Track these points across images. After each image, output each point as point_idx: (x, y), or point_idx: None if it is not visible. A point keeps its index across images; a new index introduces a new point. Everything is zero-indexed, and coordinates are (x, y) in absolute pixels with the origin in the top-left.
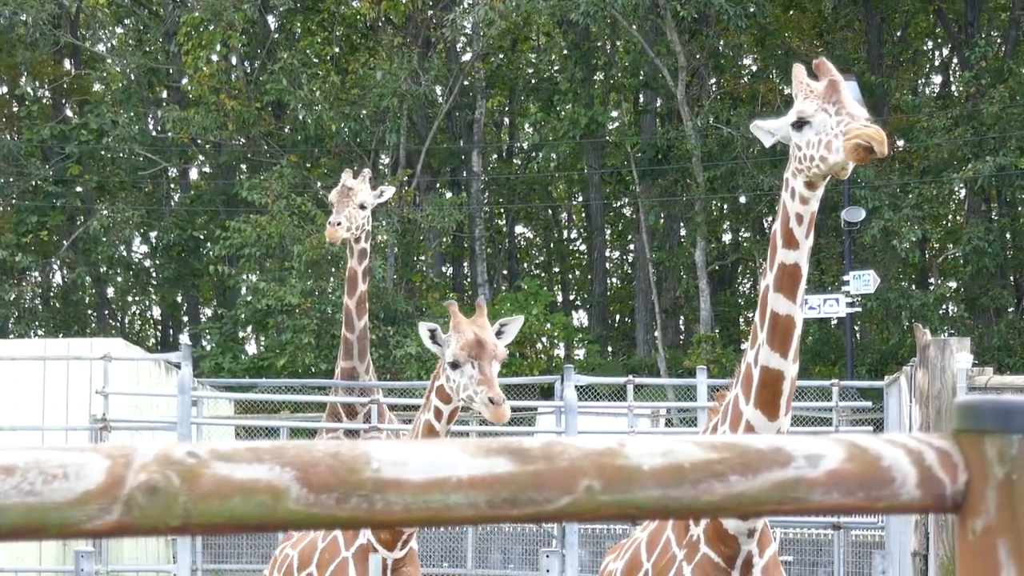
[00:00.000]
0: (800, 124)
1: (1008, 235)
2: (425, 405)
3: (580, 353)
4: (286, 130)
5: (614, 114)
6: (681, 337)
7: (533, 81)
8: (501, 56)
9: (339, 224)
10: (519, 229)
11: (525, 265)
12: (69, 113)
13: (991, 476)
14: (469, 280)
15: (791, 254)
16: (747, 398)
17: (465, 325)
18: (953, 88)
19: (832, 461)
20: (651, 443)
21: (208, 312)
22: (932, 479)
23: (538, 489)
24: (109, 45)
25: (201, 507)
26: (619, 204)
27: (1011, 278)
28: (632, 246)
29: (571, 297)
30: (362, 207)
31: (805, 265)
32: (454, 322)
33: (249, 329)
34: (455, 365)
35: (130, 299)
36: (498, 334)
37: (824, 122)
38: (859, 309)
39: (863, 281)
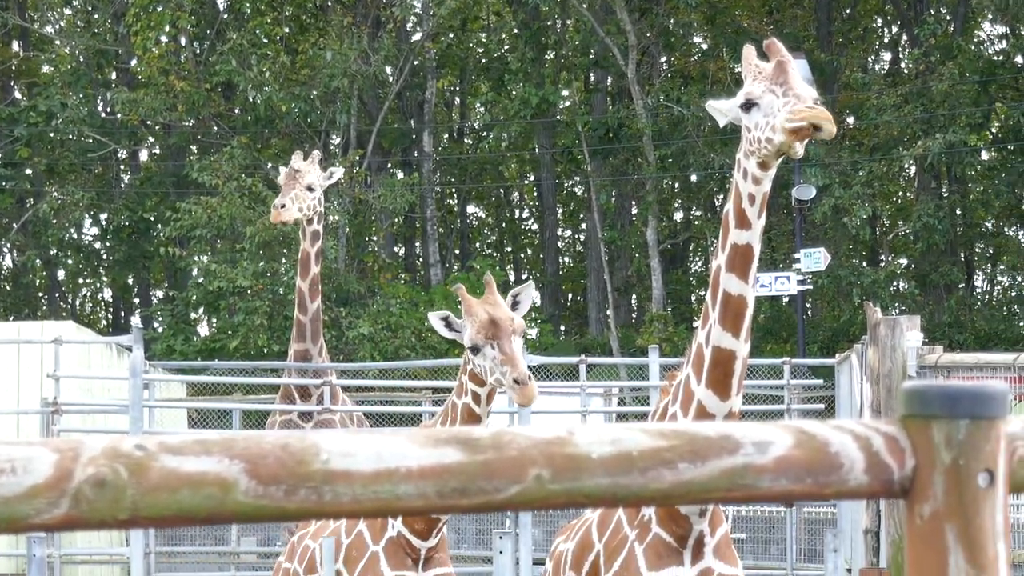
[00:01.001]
0: (748, 106)
1: (958, 212)
2: (459, 390)
3: (533, 332)
4: (236, 111)
5: (565, 93)
6: (633, 316)
7: (484, 61)
8: (451, 36)
9: (283, 207)
10: (471, 209)
11: (477, 245)
12: (18, 95)
13: (938, 461)
14: (421, 260)
15: (743, 234)
16: (699, 378)
17: (477, 306)
18: (903, 65)
19: (780, 448)
20: (600, 431)
21: (159, 294)
22: (880, 465)
23: (487, 478)
24: (58, 27)
25: (149, 500)
26: (570, 183)
27: (961, 255)
28: (584, 225)
29: (523, 276)
30: (310, 189)
31: (757, 245)
32: (465, 305)
33: (201, 311)
34: (475, 350)
35: (81, 282)
36: (514, 306)
37: (771, 103)
38: (810, 287)
39: (814, 259)
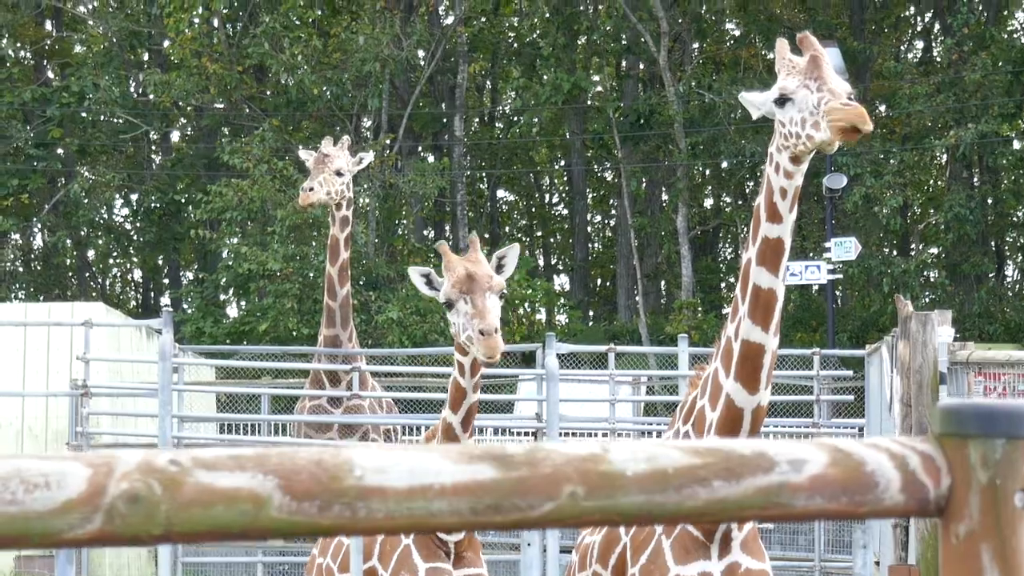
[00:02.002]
0: (783, 100)
1: (989, 202)
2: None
3: (561, 319)
4: (268, 94)
5: (596, 79)
6: (662, 302)
7: (515, 46)
8: (483, 20)
9: (311, 190)
10: (501, 194)
11: (507, 230)
12: (51, 75)
13: (974, 481)
14: (451, 244)
15: (775, 228)
16: (727, 371)
17: (456, 262)
18: (935, 54)
19: (815, 466)
20: (635, 448)
21: (189, 276)
22: (915, 483)
23: (522, 495)
24: (91, 7)
25: (183, 516)
26: (601, 169)
27: (992, 245)
28: (614, 211)
29: (552, 262)
30: (339, 173)
31: (788, 239)
32: (445, 261)
33: (230, 293)
34: (450, 305)
35: (111, 262)
36: (499, 269)
37: (806, 99)
38: (840, 276)
39: (844, 248)
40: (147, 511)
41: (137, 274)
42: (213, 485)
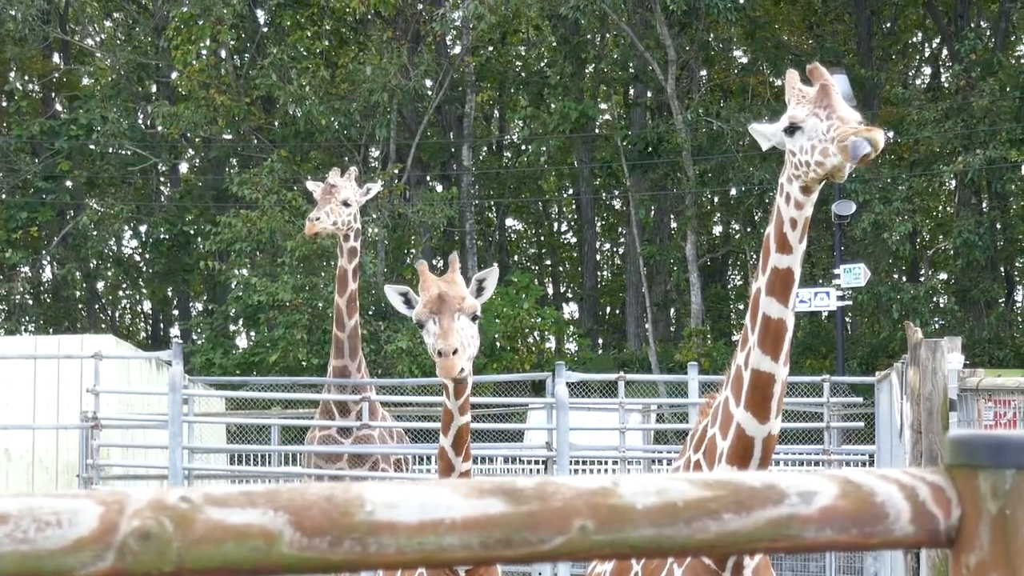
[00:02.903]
0: (792, 129)
1: (998, 227)
2: None
3: (571, 347)
4: (276, 125)
5: (604, 107)
6: (672, 330)
7: (523, 75)
8: (491, 50)
9: (317, 219)
10: (509, 222)
11: (516, 258)
12: (59, 108)
13: (984, 511)
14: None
15: (784, 258)
16: (737, 400)
17: (431, 282)
18: (943, 80)
19: (825, 498)
20: (644, 481)
21: (199, 307)
22: (925, 514)
23: (532, 529)
24: (98, 40)
25: (194, 553)
26: (609, 197)
27: (1001, 271)
28: (623, 239)
29: (562, 290)
30: (346, 204)
31: (798, 269)
32: (421, 282)
33: (240, 324)
34: (421, 325)
35: (120, 294)
36: (479, 291)
37: (815, 127)
38: (850, 302)
39: (854, 274)
40: (159, 548)
41: (147, 306)
42: (224, 522)
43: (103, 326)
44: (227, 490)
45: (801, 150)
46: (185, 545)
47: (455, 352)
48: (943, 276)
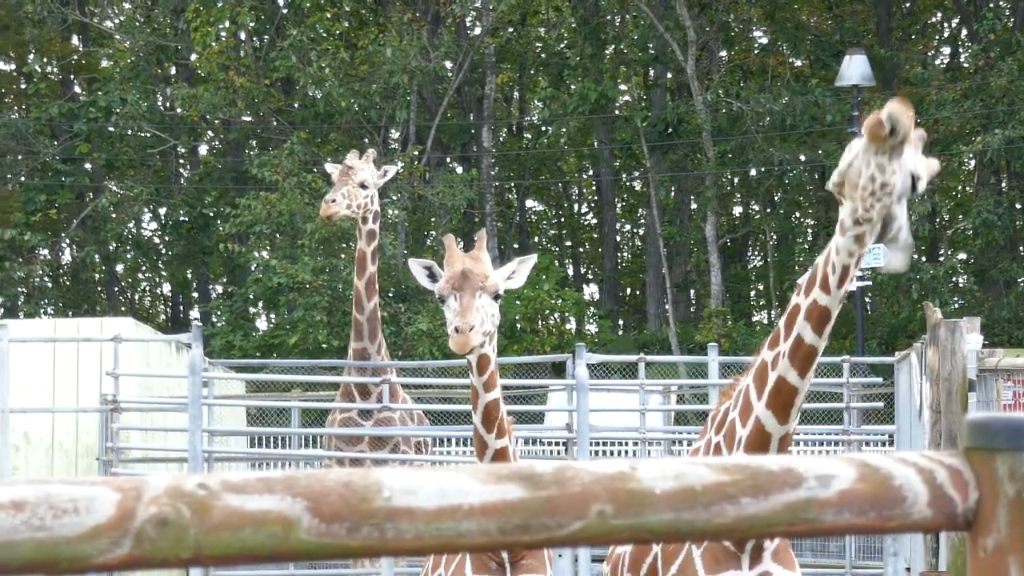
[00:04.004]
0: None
1: (1018, 207)
2: None
3: (591, 328)
4: (295, 107)
5: (623, 88)
6: (692, 311)
7: (543, 56)
8: (511, 31)
9: (333, 201)
10: (529, 204)
11: (536, 239)
12: (77, 90)
13: (1002, 494)
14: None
15: (824, 296)
16: (759, 395)
17: (456, 258)
18: (962, 60)
19: (843, 481)
20: (663, 466)
21: (218, 289)
22: (943, 497)
23: (550, 515)
24: (117, 22)
25: (212, 539)
26: (629, 179)
27: (1021, 250)
28: (643, 220)
29: (582, 271)
30: (363, 186)
31: (836, 309)
32: (447, 256)
33: (260, 307)
34: (442, 300)
35: (140, 277)
36: (510, 276)
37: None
38: (869, 283)
39: (873, 255)
40: (176, 535)
41: (166, 288)
42: (242, 508)
43: (122, 309)
44: (245, 476)
45: (872, 179)
46: (203, 532)
47: (471, 329)
48: (962, 256)
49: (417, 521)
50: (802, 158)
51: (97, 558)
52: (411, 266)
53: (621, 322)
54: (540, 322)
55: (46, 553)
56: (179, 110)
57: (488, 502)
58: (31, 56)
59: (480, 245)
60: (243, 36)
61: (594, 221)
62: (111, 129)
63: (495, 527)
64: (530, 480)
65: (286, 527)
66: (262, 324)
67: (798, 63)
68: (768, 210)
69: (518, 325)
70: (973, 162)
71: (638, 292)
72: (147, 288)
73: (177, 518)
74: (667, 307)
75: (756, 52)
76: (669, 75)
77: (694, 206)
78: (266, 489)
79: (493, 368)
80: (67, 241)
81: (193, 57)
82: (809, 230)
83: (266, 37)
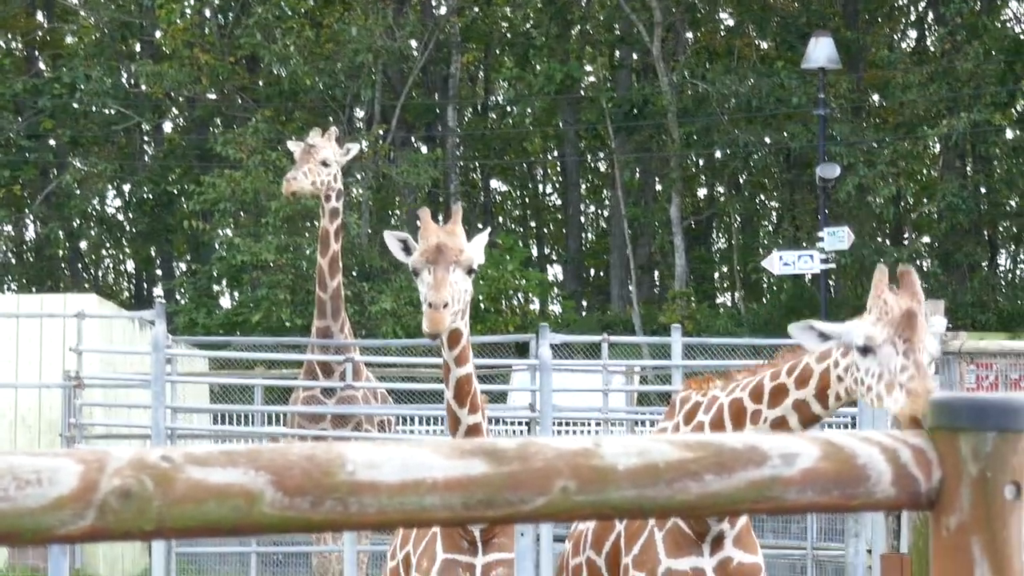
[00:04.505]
0: (865, 349)
1: (982, 191)
2: None
3: (555, 309)
4: (260, 85)
5: (589, 69)
6: (656, 292)
7: (509, 36)
8: (476, 10)
9: (294, 179)
10: (494, 184)
11: (500, 220)
12: (42, 66)
13: (965, 474)
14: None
15: (818, 407)
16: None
17: (431, 232)
18: (929, 44)
19: (807, 460)
20: (626, 443)
21: (182, 267)
22: (907, 477)
23: (513, 490)
24: None
25: (175, 511)
26: (594, 159)
27: (985, 234)
28: (607, 201)
29: (546, 252)
30: (325, 164)
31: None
32: (422, 229)
33: (223, 284)
34: (416, 273)
35: (104, 253)
36: None
37: (889, 358)
38: (833, 265)
39: (838, 237)
40: (139, 507)
41: (130, 265)
42: (205, 481)
43: (86, 285)
44: (208, 449)
45: (867, 372)
46: (166, 504)
47: (445, 306)
48: (926, 239)
49: (380, 495)
50: (767, 140)
51: (60, 529)
52: (386, 238)
53: (585, 303)
54: (504, 302)
55: (9, 524)
56: (144, 87)
57: (452, 477)
58: None
59: (455, 219)
60: (208, 13)
61: (559, 202)
62: (75, 105)
63: (459, 502)
64: (494, 456)
65: (249, 500)
66: (225, 302)
67: (764, 45)
68: (733, 192)
69: (482, 305)
70: (938, 146)
71: (602, 273)
72: (111, 265)
73: (140, 490)
74: (631, 288)
75: (722, 34)
76: (635, 56)
77: (659, 187)
78: (229, 462)
79: (465, 343)
80: (31, 217)
81: (158, 34)
82: (774, 212)
83: (231, 14)
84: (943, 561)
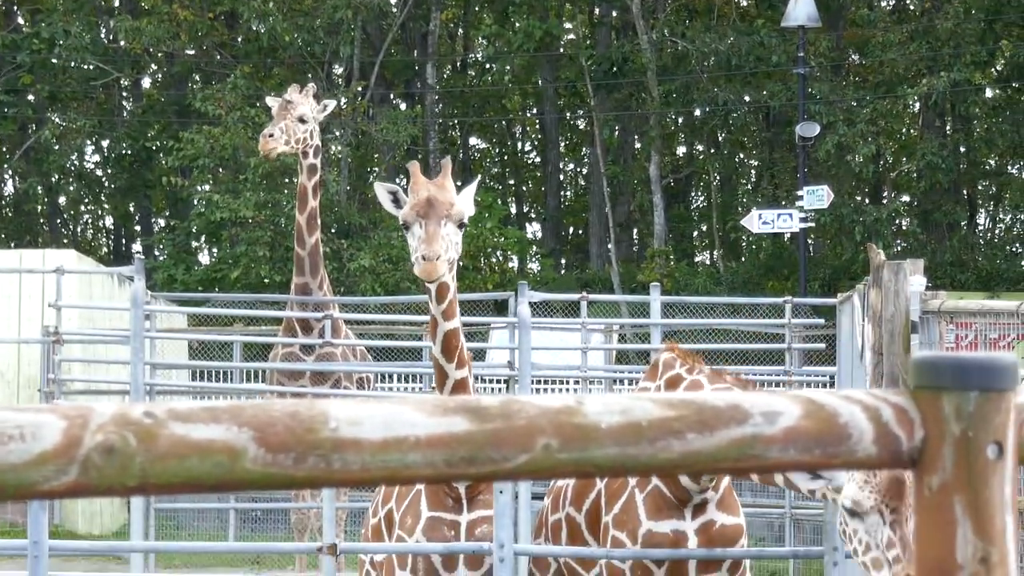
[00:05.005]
0: (852, 513)
1: (962, 150)
2: None
3: (534, 267)
4: (239, 41)
5: (568, 26)
6: (635, 251)
7: None
8: None
9: (271, 136)
10: (473, 141)
11: (479, 177)
12: (20, 21)
13: (948, 433)
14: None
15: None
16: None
17: (421, 185)
18: (908, 2)
19: (789, 418)
20: (609, 401)
21: (161, 223)
22: (888, 435)
23: (496, 447)
24: None
25: (158, 467)
26: (574, 117)
27: (964, 193)
28: (586, 159)
29: (525, 209)
30: (302, 120)
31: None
32: (412, 182)
33: (202, 240)
34: (406, 226)
35: (82, 209)
36: None
37: (876, 528)
38: (812, 224)
39: (817, 196)
40: (122, 463)
41: (108, 221)
42: (188, 437)
43: (65, 241)
44: (191, 406)
45: (855, 533)
46: (149, 460)
47: (437, 258)
48: (906, 198)
49: (363, 452)
50: (747, 99)
51: (43, 485)
52: (376, 190)
53: (563, 261)
54: (483, 260)
55: None
56: (123, 42)
57: (434, 434)
58: None
59: (445, 172)
60: None
61: (538, 160)
62: (54, 61)
63: (441, 459)
64: (476, 413)
65: (232, 457)
66: (204, 258)
67: (744, 3)
68: (712, 150)
69: (460, 262)
70: (918, 105)
71: (581, 231)
72: (89, 220)
73: (123, 446)
74: (610, 246)
75: None
76: (614, 13)
77: (638, 146)
78: (212, 419)
79: (452, 297)
80: (9, 172)
81: None
82: (753, 171)
83: None
84: (925, 520)
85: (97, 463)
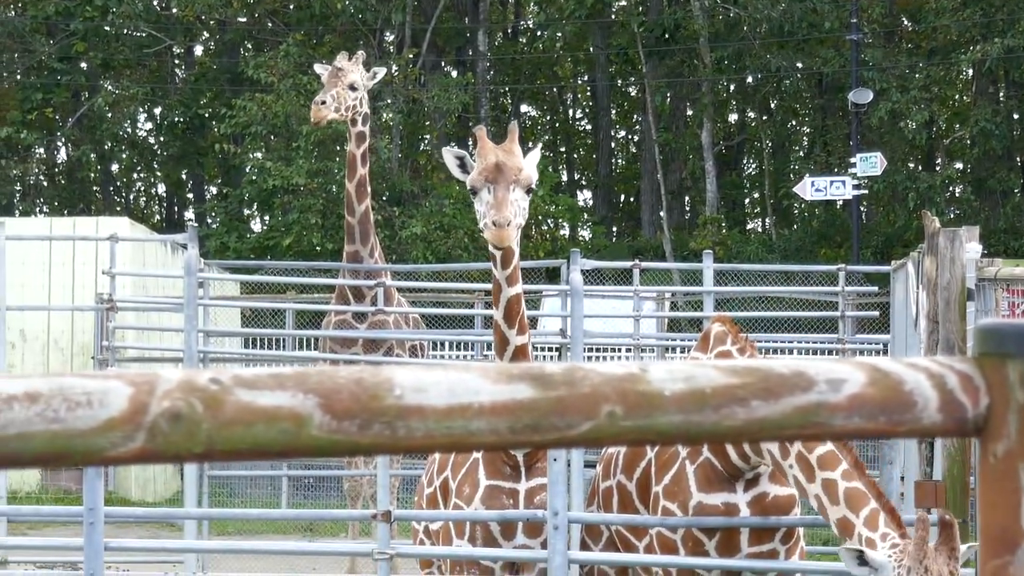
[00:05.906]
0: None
1: (1015, 116)
2: None
3: (585, 234)
4: (291, 8)
5: None
6: (687, 218)
7: None
8: None
9: (323, 103)
10: (524, 108)
11: (530, 145)
12: None
13: (1013, 400)
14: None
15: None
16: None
17: (489, 150)
18: None
19: (854, 385)
20: (672, 368)
21: (213, 190)
22: (953, 403)
23: (560, 415)
24: None
25: (224, 434)
26: (625, 84)
27: (1018, 160)
28: (638, 127)
29: (576, 177)
30: (352, 88)
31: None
32: (480, 148)
33: (254, 208)
34: (474, 192)
35: (135, 176)
36: None
37: None
38: (865, 191)
39: (870, 163)
40: (188, 429)
41: (161, 189)
42: (254, 404)
43: (118, 208)
44: (257, 372)
45: None
46: (215, 427)
47: (508, 224)
48: (959, 165)
49: (427, 419)
50: (799, 65)
51: (110, 451)
52: (444, 155)
53: (615, 228)
54: (534, 228)
55: (60, 445)
56: (175, 10)
57: (499, 401)
58: None
59: (512, 137)
60: None
61: (589, 127)
62: (107, 28)
63: (505, 426)
64: (540, 380)
65: (298, 423)
66: (256, 226)
67: None
68: (764, 117)
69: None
70: (972, 71)
71: (632, 199)
72: (142, 188)
73: (190, 412)
74: (661, 214)
75: None
76: None
77: (690, 113)
78: (278, 385)
79: (516, 262)
80: (63, 140)
81: None
82: (805, 138)
83: None
84: (990, 487)
85: (164, 429)
